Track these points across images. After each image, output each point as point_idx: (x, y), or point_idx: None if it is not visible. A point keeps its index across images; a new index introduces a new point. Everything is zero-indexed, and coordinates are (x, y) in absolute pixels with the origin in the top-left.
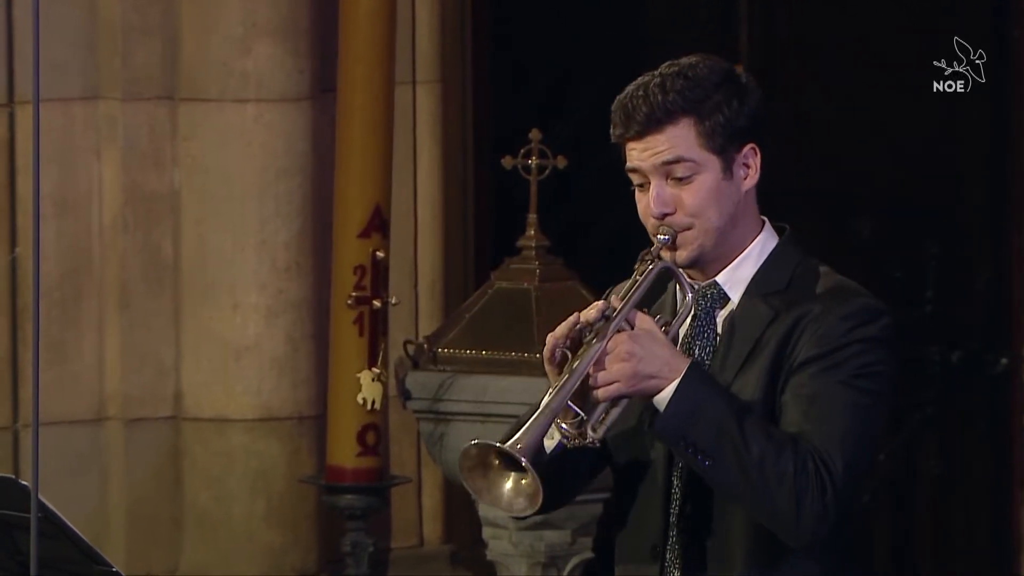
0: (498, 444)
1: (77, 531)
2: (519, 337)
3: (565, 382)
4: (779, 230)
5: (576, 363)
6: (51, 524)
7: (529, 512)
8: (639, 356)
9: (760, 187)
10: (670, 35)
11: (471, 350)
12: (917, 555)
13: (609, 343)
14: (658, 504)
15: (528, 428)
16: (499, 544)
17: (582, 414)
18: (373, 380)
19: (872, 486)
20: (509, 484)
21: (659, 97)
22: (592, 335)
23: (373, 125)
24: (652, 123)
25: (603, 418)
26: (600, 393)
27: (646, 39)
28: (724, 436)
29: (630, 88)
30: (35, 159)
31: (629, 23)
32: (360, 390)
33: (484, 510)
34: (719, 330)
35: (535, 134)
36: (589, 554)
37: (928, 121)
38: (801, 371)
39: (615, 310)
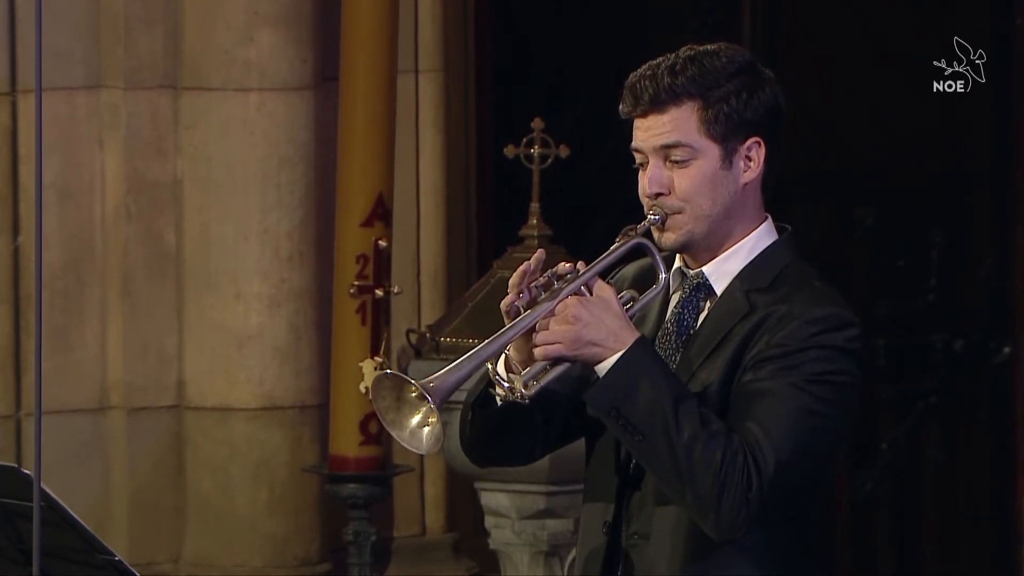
0: (411, 380)
1: (80, 520)
2: None
3: (503, 332)
4: (780, 230)
5: (521, 318)
6: (53, 513)
7: (433, 450)
8: (585, 321)
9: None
10: (674, 24)
11: (474, 339)
12: (920, 543)
13: (559, 304)
14: (611, 481)
15: (450, 369)
16: (501, 533)
17: (519, 368)
18: (375, 369)
19: (875, 474)
20: (416, 419)
21: (667, 79)
22: (548, 294)
23: (376, 114)
24: (656, 103)
25: (540, 377)
26: (538, 352)
27: (649, 29)
28: (657, 414)
29: (644, 66)
30: (38, 148)
31: (632, 12)
32: (363, 379)
33: (487, 499)
34: (700, 318)
35: (537, 123)
36: None
37: (931, 111)
38: (757, 368)
39: (577, 273)
